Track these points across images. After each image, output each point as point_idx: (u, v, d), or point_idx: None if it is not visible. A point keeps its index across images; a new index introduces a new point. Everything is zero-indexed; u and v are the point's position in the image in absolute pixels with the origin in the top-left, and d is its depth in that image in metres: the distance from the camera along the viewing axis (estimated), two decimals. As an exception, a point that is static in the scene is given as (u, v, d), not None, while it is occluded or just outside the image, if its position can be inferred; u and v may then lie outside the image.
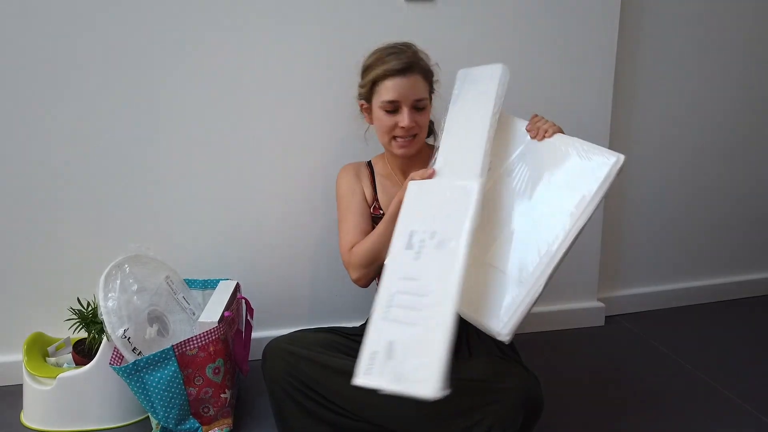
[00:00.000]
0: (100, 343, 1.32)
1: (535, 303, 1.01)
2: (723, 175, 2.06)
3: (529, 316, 1.01)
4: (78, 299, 1.40)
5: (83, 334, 1.40)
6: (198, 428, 1.30)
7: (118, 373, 1.24)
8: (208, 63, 1.51)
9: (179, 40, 1.49)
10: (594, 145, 1.07)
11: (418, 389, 0.84)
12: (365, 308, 1.15)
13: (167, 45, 1.48)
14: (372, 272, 1.25)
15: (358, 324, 1.41)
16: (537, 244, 1.02)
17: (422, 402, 1.13)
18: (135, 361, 1.22)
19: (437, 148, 1.16)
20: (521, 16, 1.67)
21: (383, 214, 1.29)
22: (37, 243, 1.52)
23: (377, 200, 1.34)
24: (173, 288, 1.43)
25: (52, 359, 1.44)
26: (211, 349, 1.28)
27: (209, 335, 1.27)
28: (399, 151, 1.26)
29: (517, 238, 1.05)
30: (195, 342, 1.26)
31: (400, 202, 1.10)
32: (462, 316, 1.01)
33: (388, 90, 1.21)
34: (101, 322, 1.24)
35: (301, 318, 1.71)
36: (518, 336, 1.04)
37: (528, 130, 1.14)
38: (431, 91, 1.28)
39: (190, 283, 1.55)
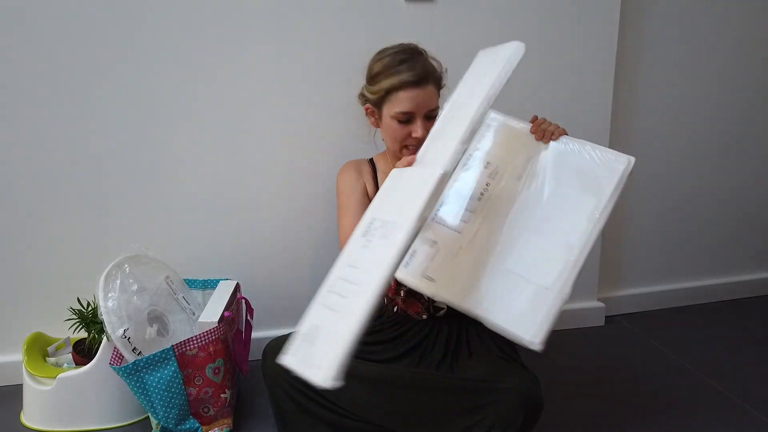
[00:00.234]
0: (100, 343, 1.32)
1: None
2: (723, 176, 2.06)
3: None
4: (78, 299, 1.40)
5: (83, 334, 1.40)
6: (198, 428, 1.30)
7: (118, 373, 1.24)
8: (208, 63, 1.51)
9: (180, 41, 1.49)
10: (603, 147, 1.06)
11: (312, 375, 0.83)
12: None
13: (168, 45, 1.48)
14: None
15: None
16: (559, 250, 1.00)
17: (422, 402, 1.14)
18: (135, 361, 1.22)
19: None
20: (521, 16, 1.67)
21: None
22: (38, 243, 1.52)
23: None
24: (173, 288, 1.43)
25: (52, 359, 1.44)
26: (211, 349, 1.28)
27: (209, 335, 1.27)
28: (409, 158, 1.26)
29: (537, 245, 1.03)
30: (195, 342, 1.26)
31: None
32: (487, 325, 1.00)
33: (402, 101, 1.20)
34: (101, 322, 1.24)
35: (301, 318, 1.70)
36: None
37: (533, 133, 1.11)
38: (439, 96, 1.27)
39: (190, 283, 1.55)
